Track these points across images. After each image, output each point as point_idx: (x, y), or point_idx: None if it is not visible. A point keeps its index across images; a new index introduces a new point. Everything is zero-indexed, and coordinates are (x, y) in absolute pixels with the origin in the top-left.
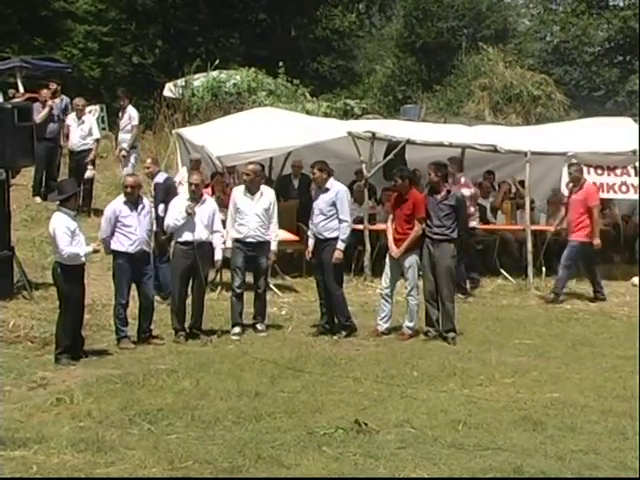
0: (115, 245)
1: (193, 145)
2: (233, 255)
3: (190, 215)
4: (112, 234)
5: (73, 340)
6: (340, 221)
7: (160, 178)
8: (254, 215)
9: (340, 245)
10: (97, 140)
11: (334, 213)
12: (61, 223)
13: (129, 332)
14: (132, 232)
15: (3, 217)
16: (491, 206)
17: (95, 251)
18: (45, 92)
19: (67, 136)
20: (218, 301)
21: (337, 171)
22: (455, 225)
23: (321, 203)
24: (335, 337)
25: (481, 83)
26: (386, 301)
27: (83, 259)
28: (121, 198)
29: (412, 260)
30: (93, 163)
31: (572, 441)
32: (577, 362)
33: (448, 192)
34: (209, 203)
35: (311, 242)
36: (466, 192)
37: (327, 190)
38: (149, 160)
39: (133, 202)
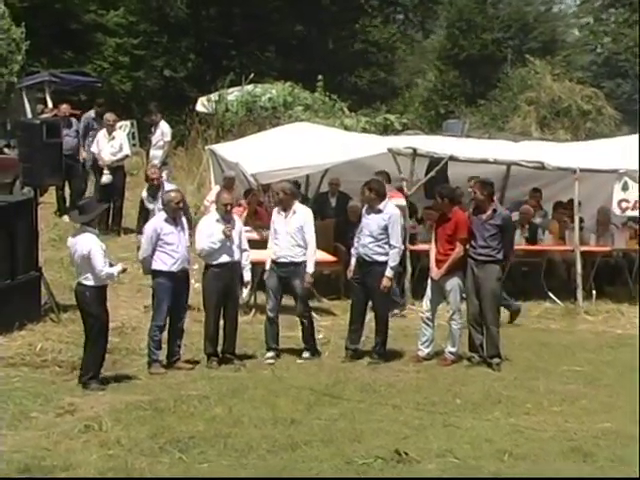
0: (157, 264)
1: (227, 162)
2: (268, 276)
3: (228, 237)
4: (153, 253)
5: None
6: (391, 246)
7: (168, 187)
8: (285, 234)
9: (389, 272)
10: (127, 156)
11: (385, 237)
12: (96, 243)
13: (161, 356)
14: (174, 250)
15: (31, 237)
16: (541, 226)
17: (123, 270)
18: (65, 107)
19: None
20: (252, 324)
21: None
22: (501, 246)
23: (372, 224)
24: (371, 360)
25: (527, 97)
26: (427, 325)
27: (108, 280)
28: (161, 215)
29: (454, 282)
30: (124, 174)
31: (624, 473)
32: (629, 390)
33: (494, 211)
34: (237, 221)
35: (353, 261)
36: (401, 202)
37: (379, 211)
38: (152, 169)
39: (174, 219)
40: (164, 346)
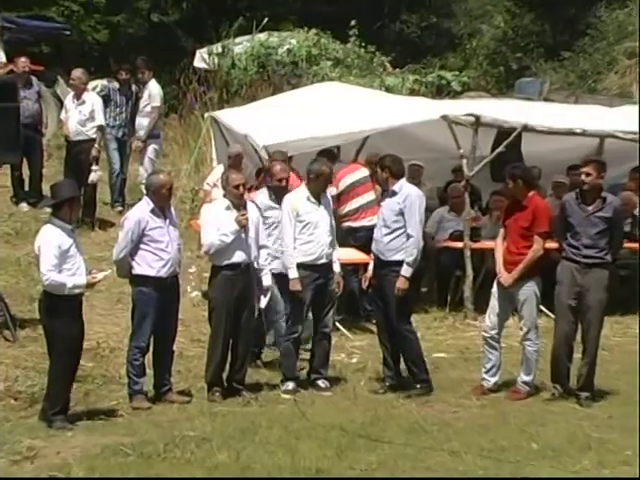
0: (139, 268)
1: (233, 133)
2: (297, 287)
3: (244, 228)
4: (134, 253)
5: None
6: (408, 237)
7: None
8: (325, 226)
9: (405, 271)
10: (101, 127)
11: (401, 226)
12: (50, 239)
13: (145, 386)
14: (163, 249)
15: None
16: None
17: (91, 285)
18: (23, 61)
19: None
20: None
21: (427, 168)
22: (609, 245)
23: (385, 211)
24: (407, 395)
25: (627, 48)
26: (491, 347)
27: (76, 291)
28: (145, 205)
29: (530, 291)
30: (97, 161)
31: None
32: None
33: (603, 200)
34: (251, 209)
35: (372, 265)
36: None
37: (394, 194)
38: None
39: (162, 209)
40: (149, 372)
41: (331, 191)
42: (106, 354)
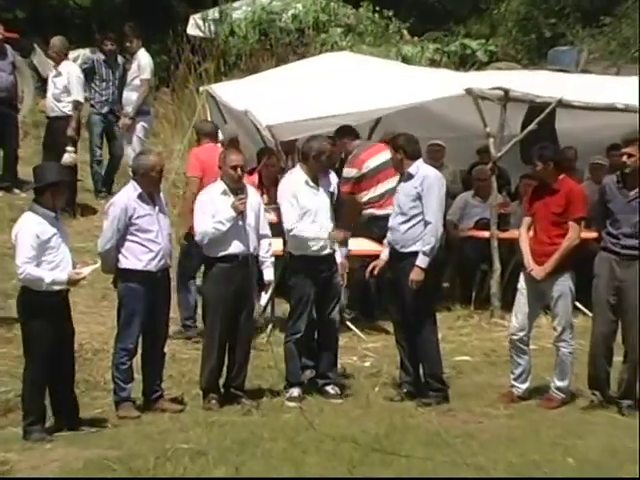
0: (127, 261)
1: (231, 110)
2: (298, 281)
3: (241, 214)
4: (119, 244)
5: (59, 404)
6: (426, 224)
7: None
8: (326, 212)
9: (421, 261)
10: (77, 103)
11: (418, 213)
12: (29, 227)
13: (133, 393)
14: (153, 240)
15: None
16: None
17: (74, 282)
18: None
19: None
20: (266, 347)
21: (449, 149)
22: None
23: (401, 197)
24: (425, 401)
25: None
26: (520, 351)
27: (56, 287)
28: (132, 189)
29: (565, 286)
30: (74, 142)
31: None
32: None
33: None
34: (251, 193)
35: (385, 253)
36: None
37: (410, 177)
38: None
39: (151, 195)
40: (137, 377)
41: (349, 172)
42: (89, 357)
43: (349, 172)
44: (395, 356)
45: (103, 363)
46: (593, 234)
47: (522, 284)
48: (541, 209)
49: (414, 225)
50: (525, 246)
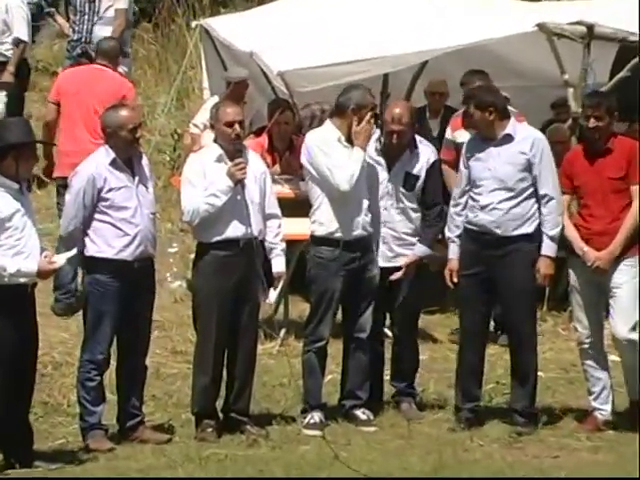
0: (95, 248)
1: (233, 51)
2: (320, 273)
3: (240, 182)
4: (86, 225)
5: (9, 432)
6: (543, 199)
7: None
8: (361, 182)
9: (549, 248)
10: (18, 41)
11: (528, 186)
12: None
13: (105, 417)
14: (128, 220)
15: None
16: None
17: (45, 273)
18: None
19: None
20: (278, 358)
21: (515, 102)
22: None
23: (501, 166)
24: (515, 430)
25: None
26: (594, 361)
27: (21, 279)
28: (103, 155)
29: (631, 272)
30: (7, 86)
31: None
32: None
33: None
34: (254, 160)
35: (454, 250)
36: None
37: (508, 140)
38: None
39: (127, 161)
40: (111, 397)
41: (459, 135)
42: (48, 372)
43: (459, 134)
44: (445, 371)
45: (66, 380)
46: None
47: (573, 278)
48: (592, 178)
49: (521, 202)
50: (572, 229)
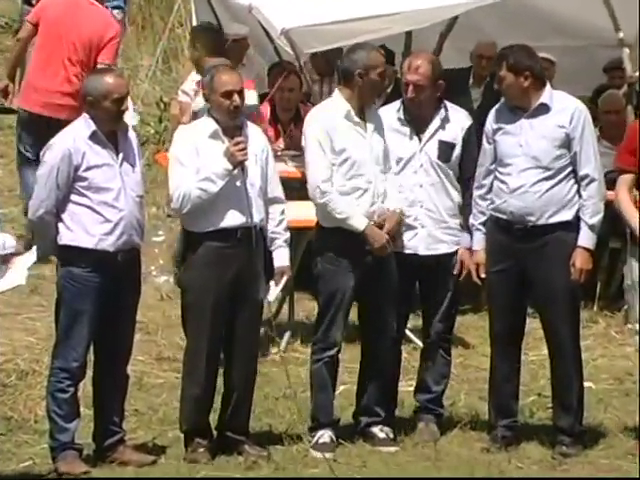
0: (70, 235)
1: (229, 5)
2: (330, 268)
3: (240, 165)
4: (61, 209)
5: None
6: (583, 180)
7: None
8: (376, 161)
9: (588, 239)
10: None
11: (566, 165)
12: None
13: (79, 435)
14: (111, 204)
15: None
16: None
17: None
18: None
19: None
20: (280, 368)
21: (562, 65)
22: None
23: (534, 141)
24: (560, 451)
25: None
26: None
27: None
28: (82, 126)
29: None
30: None
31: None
32: None
33: None
34: (254, 135)
35: (479, 239)
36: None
37: (545, 110)
38: None
39: (110, 135)
40: (86, 412)
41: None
42: (12, 383)
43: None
44: (477, 380)
45: (33, 392)
46: None
47: (635, 272)
48: None
49: (558, 184)
50: (634, 214)
